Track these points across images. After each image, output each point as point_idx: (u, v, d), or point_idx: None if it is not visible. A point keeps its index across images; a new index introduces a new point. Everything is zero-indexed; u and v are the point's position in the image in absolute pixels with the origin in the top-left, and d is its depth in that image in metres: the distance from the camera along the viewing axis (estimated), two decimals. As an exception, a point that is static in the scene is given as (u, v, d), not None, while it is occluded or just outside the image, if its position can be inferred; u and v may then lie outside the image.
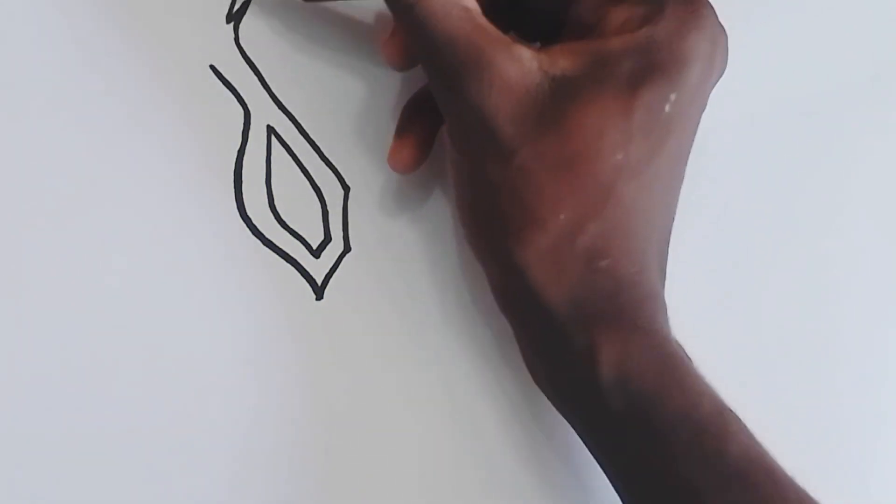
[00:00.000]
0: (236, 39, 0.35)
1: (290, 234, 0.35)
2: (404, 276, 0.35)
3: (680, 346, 0.30)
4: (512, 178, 0.29)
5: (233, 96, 0.35)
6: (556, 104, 0.28)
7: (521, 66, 0.29)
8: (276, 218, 0.35)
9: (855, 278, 0.36)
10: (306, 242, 0.35)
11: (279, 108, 0.35)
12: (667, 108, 0.29)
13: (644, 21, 0.29)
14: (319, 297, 0.34)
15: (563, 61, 0.29)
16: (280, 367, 0.34)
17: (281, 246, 0.34)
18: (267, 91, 0.35)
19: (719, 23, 0.30)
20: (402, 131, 0.33)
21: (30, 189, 0.33)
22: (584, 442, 0.31)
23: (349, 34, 0.36)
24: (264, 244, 0.34)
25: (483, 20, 0.29)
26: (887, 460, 0.36)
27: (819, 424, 0.35)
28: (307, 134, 0.35)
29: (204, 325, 0.33)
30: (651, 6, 0.29)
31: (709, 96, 0.30)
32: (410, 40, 0.31)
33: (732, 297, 0.36)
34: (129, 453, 0.32)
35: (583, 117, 0.28)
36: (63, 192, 0.34)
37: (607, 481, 0.31)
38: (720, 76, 0.31)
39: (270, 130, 0.35)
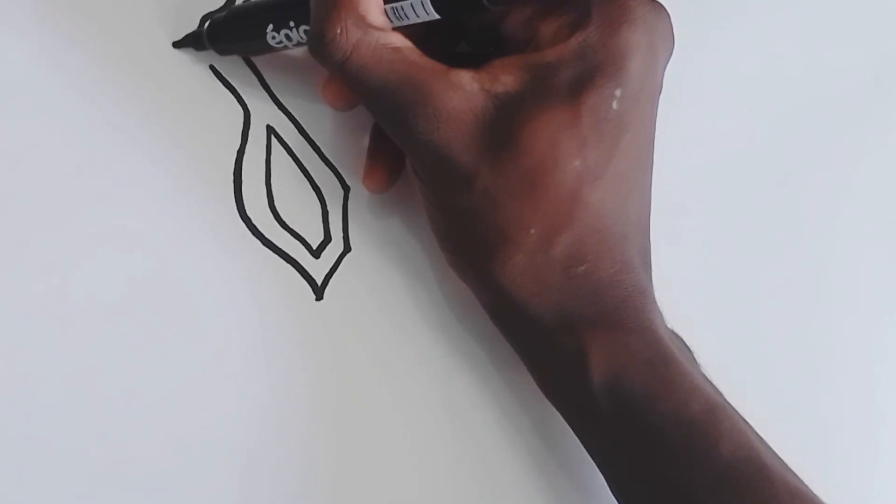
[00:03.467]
0: (236, 39, 0.35)
1: (290, 234, 0.35)
2: (404, 276, 0.35)
3: (675, 337, 0.30)
4: (478, 203, 0.29)
5: (233, 96, 0.35)
6: (505, 123, 0.29)
7: (462, 92, 0.29)
8: (276, 218, 0.35)
9: (855, 279, 0.36)
10: (306, 242, 0.35)
11: (279, 108, 0.35)
12: (614, 105, 0.29)
13: (574, 28, 0.29)
14: (319, 297, 0.34)
15: (504, 77, 0.29)
16: (280, 368, 0.34)
17: (281, 246, 0.34)
18: (267, 91, 0.35)
19: (654, 6, 0.29)
20: (372, 154, 0.34)
21: (29, 189, 0.33)
22: (581, 443, 0.31)
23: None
24: (264, 244, 0.34)
25: (415, 55, 0.29)
26: (887, 460, 0.36)
27: (819, 424, 0.35)
28: (307, 134, 0.35)
29: (204, 325, 0.33)
30: (578, 12, 0.29)
31: (661, 79, 0.30)
32: (350, 91, 0.31)
33: (731, 297, 0.36)
34: (128, 454, 0.32)
35: (533, 132, 0.28)
36: (61, 192, 0.34)
37: (602, 482, 0.31)
38: (669, 55, 0.30)
39: (270, 130, 0.35)
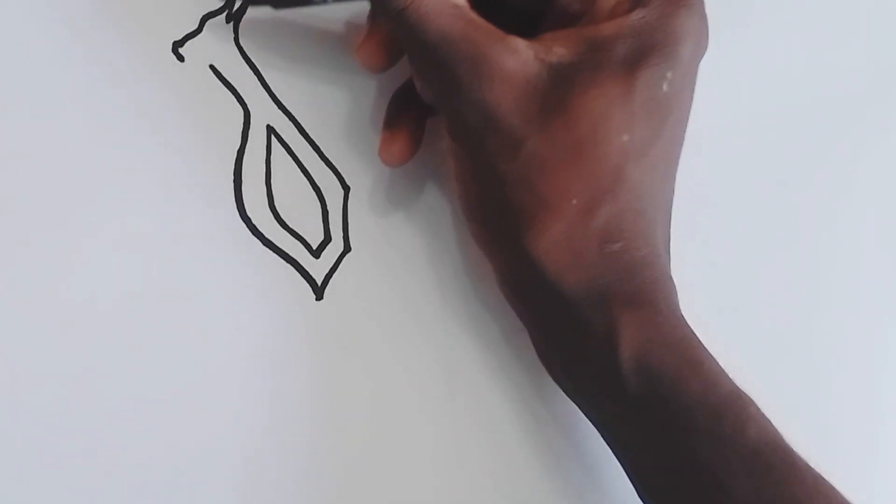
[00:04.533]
0: (236, 39, 0.35)
1: (290, 234, 0.35)
2: (405, 275, 0.35)
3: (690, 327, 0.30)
4: (521, 169, 0.29)
5: (233, 96, 0.35)
6: (558, 92, 0.29)
7: (518, 57, 0.29)
8: (276, 218, 0.35)
9: (855, 279, 0.36)
10: (306, 242, 0.35)
11: (279, 108, 0.35)
12: (665, 86, 0.29)
13: (634, 4, 0.29)
14: (319, 297, 0.34)
15: (558, 49, 0.29)
16: (280, 368, 0.34)
17: (281, 246, 0.34)
18: (267, 91, 0.35)
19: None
20: (390, 124, 0.33)
21: (29, 189, 0.33)
22: (600, 431, 0.31)
23: (349, 34, 0.36)
24: (264, 244, 0.34)
25: (474, 15, 0.30)
26: (887, 460, 0.36)
27: (819, 424, 0.35)
28: (307, 134, 0.35)
29: (203, 325, 0.33)
30: None
31: (696, 74, 0.31)
32: (402, 44, 0.31)
33: (730, 297, 0.36)
34: (129, 454, 0.32)
35: (586, 102, 0.29)
36: (62, 192, 0.34)
37: (620, 474, 0.31)
38: (704, 53, 0.31)
39: (270, 130, 0.35)
